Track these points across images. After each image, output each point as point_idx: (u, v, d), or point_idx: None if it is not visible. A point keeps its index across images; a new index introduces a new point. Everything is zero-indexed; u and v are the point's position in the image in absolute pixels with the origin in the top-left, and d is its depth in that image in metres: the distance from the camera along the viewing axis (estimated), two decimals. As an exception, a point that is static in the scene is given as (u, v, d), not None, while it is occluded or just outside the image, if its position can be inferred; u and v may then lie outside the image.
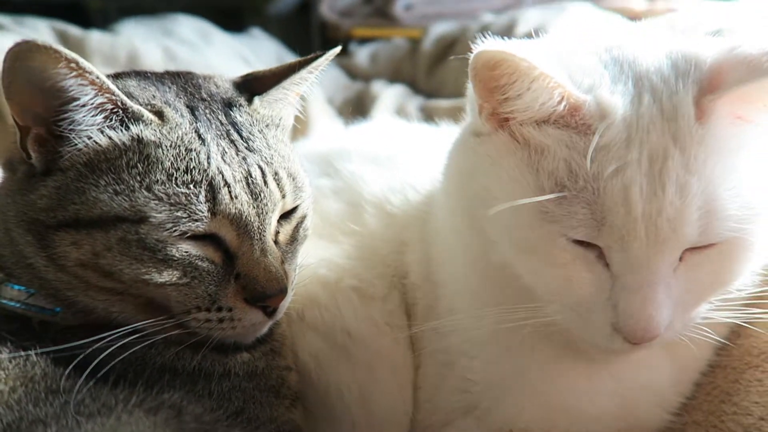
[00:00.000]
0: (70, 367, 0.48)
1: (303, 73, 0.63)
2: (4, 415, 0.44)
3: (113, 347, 0.49)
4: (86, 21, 2.73)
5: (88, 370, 0.47)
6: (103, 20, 2.74)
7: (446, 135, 0.85)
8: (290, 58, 2.09)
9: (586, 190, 0.45)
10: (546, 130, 0.48)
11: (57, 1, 2.74)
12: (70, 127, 0.51)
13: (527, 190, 0.47)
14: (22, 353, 0.49)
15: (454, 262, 0.62)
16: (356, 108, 1.64)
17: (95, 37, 1.50)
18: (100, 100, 0.51)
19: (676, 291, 0.47)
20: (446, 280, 0.64)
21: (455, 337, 0.62)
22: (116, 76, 0.59)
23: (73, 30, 1.53)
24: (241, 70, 1.57)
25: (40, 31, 1.49)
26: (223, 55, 1.69)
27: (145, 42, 1.55)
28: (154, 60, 1.48)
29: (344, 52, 2.39)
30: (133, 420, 0.43)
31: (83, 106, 0.50)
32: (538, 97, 0.46)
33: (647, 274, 0.46)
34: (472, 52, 0.47)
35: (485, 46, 0.46)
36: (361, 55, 2.12)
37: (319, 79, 0.66)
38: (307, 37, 2.79)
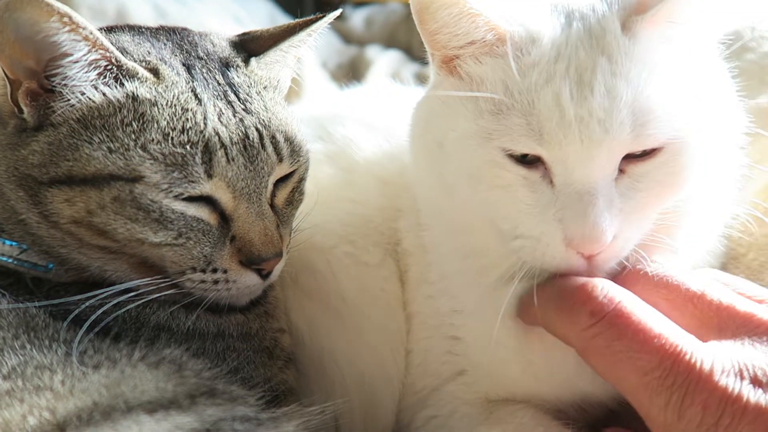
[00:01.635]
0: (68, 320, 0.48)
1: (302, 35, 0.62)
2: (9, 358, 0.44)
3: (107, 305, 0.50)
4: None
5: (86, 325, 0.48)
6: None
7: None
8: (284, 19, 2.05)
9: (522, 102, 0.48)
10: (484, 60, 0.51)
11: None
12: (63, 82, 0.50)
13: (468, 116, 0.51)
14: (21, 305, 0.49)
15: (437, 224, 0.63)
16: (350, 72, 1.62)
17: (82, -10, 1.45)
18: (93, 56, 0.50)
19: (621, 202, 0.48)
20: (432, 243, 0.64)
21: (445, 298, 0.63)
22: (109, 30, 0.58)
23: (59, -19, 1.48)
24: (233, 30, 1.54)
25: (24, -19, 1.44)
26: (215, 13, 1.65)
27: (135, -3, 1.50)
28: (143, 16, 1.45)
29: (339, 16, 2.35)
30: (137, 374, 0.43)
31: (76, 62, 0.49)
32: (460, 23, 0.50)
33: (587, 182, 0.47)
34: None
35: None
36: (356, 19, 2.08)
37: (315, 42, 0.66)
38: (300, -3, 2.72)
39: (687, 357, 0.40)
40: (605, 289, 0.47)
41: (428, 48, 0.54)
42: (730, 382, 0.39)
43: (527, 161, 0.49)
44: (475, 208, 0.54)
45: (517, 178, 0.49)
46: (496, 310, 0.57)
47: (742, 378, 0.39)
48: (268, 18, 1.95)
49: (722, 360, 0.40)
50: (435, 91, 0.56)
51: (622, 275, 0.51)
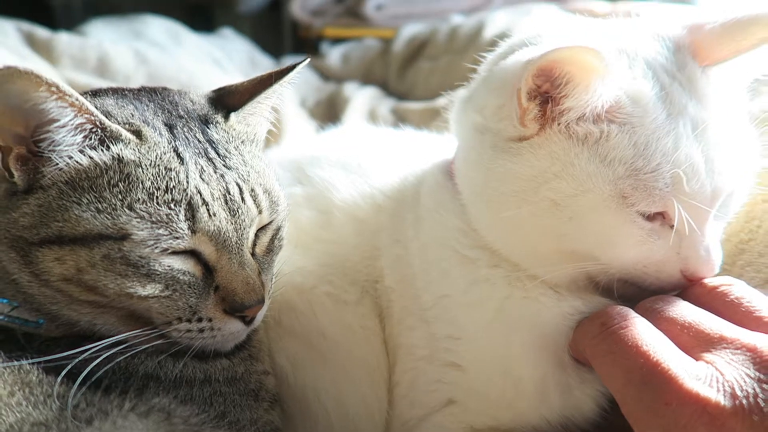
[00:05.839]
0: (62, 375, 0.50)
1: (276, 87, 0.66)
2: (6, 416, 0.46)
3: (99, 358, 0.52)
4: (49, 16, 2.69)
5: (79, 380, 0.50)
6: (67, 15, 2.70)
7: (412, 138, 0.90)
8: (262, 59, 2.10)
9: (659, 166, 0.52)
10: (600, 124, 0.53)
11: (19, -4, 2.69)
12: (51, 147, 0.52)
13: (606, 181, 0.52)
14: (15, 362, 0.51)
15: (455, 247, 0.65)
16: (328, 110, 1.66)
17: (64, 39, 1.48)
18: (79, 120, 0.52)
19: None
20: (435, 269, 0.66)
21: (440, 324, 0.65)
22: (94, 94, 0.61)
23: (41, 31, 1.50)
24: (212, 72, 1.57)
25: (6, 32, 1.46)
26: (195, 56, 1.68)
27: (116, 44, 1.54)
28: (124, 62, 1.48)
29: (316, 53, 2.42)
30: (128, 424, 0.46)
31: (63, 126, 0.52)
32: (602, 93, 0.51)
33: (707, 225, 0.54)
34: (520, 57, 0.52)
35: (559, 44, 0.49)
36: (333, 55, 2.14)
37: (291, 85, 0.69)
38: (278, 36, 2.79)
39: (664, 365, 0.48)
40: (621, 309, 0.54)
41: (523, 101, 0.53)
42: (695, 386, 0.45)
43: (652, 215, 0.54)
44: (593, 257, 0.55)
45: (649, 231, 0.54)
46: (506, 336, 0.61)
47: (710, 386, 0.45)
48: (248, 59, 1.99)
49: (696, 371, 0.46)
50: (535, 146, 0.54)
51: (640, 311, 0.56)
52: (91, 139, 0.53)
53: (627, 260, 0.55)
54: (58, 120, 0.52)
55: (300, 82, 1.97)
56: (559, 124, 0.53)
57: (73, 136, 0.53)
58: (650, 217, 0.54)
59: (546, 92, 0.53)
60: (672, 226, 0.54)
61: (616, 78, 0.51)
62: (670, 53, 0.55)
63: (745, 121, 0.58)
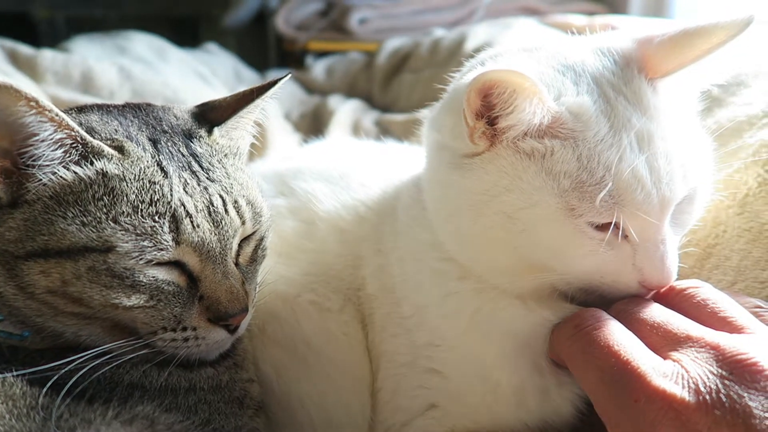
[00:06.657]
0: (47, 386, 0.50)
1: (258, 101, 0.68)
2: None
3: (84, 369, 0.52)
4: (33, 31, 2.69)
5: (65, 390, 0.50)
6: (50, 32, 2.70)
7: (393, 150, 0.92)
8: (247, 73, 2.12)
9: (603, 179, 0.53)
10: (544, 140, 0.54)
11: (3, 11, 2.69)
12: (32, 161, 0.53)
13: (553, 194, 0.54)
14: None
15: (427, 257, 0.66)
16: (313, 122, 1.68)
17: (47, 56, 1.49)
18: (59, 135, 0.53)
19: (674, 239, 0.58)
20: (412, 280, 0.68)
21: (421, 332, 0.67)
22: (80, 110, 0.62)
23: (24, 48, 1.51)
24: (197, 87, 1.58)
25: (-11, 49, 1.47)
26: (179, 72, 1.70)
27: (100, 60, 1.55)
28: (108, 78, 1.49)
29: (301, 66, 2.44)
30: (111, 431, 0.46)
31: (43, 141, 0.53)
32: (535, 111, 0.53)
33: (660, 235, 0.55)
34: (465, 80, 0.53)
35: (491, 67, 0.52)
36: (318, 69, 2.16)
37: (274, 99, 0.71)
38: (263, 50, 2.81)
39: (633, 363, 0.50)
40: (594, 312, 0.57)
41: (469, 121, 0.55)
42: (662, 383, 0.47)
43: (602, 226, 0.55)
44: (547, 267, 0.57)
45: (599, 242, 0.55)
46: (481, 345, 0.62)
47: (675, 383, 0.47)
48: (233, 73, 2.01)
49: (663, 369, 0.48)
50: (486, 161, 0.56)
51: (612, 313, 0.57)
52: (71, 154, 0.54)
53: (580, 270, 0.57)
54: (38, 134, 0.52)
55: (285, 95, 2.00)
56: (506, 141, 0.55)
57: (53, 150, 0.53)
58: (601, 228, 0.55)
59: (492, 110, 0.55)
60: (626, 237, 0.55)
61: (546, 97, 0.52)
62: (617, 67, 0.57)
63: (697, 130, 0.60)
